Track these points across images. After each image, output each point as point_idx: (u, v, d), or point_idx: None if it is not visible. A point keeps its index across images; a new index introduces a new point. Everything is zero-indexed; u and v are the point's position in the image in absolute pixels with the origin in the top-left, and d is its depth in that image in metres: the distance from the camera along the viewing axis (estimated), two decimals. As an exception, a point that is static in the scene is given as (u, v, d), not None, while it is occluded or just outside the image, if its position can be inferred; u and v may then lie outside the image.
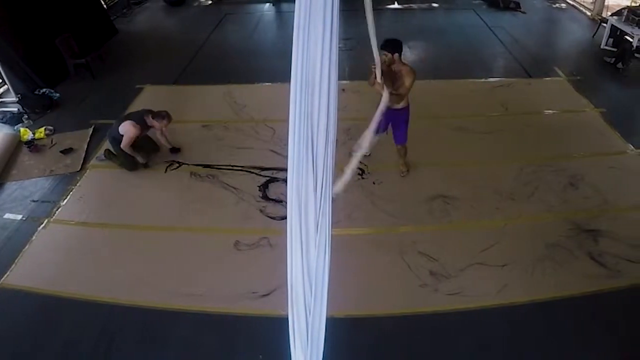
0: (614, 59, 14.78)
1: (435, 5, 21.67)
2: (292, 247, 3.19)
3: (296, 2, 2.90)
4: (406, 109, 9.40)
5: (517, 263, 7.92)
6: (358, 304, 7.29)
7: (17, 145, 11.36)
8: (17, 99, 12.90)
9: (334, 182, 3.24)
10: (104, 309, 7.36)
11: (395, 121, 9.35)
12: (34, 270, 8.12)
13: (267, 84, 13.83)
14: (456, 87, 13.78)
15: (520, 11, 20.31)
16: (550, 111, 12.38)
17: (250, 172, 10.17)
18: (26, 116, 12.42)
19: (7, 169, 10.67)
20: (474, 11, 20.42)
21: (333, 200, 3.19)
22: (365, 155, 7.96)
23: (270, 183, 9.86)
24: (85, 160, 10.79)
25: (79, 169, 10.50)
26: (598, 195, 9.32)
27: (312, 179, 3.06)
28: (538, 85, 13.96)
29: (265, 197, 9.51)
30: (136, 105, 12.76)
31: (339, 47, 3.00)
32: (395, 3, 21.80)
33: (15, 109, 12.76)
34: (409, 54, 16.07)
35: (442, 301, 7.34)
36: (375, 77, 7.78)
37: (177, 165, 10.44)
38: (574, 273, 7.73)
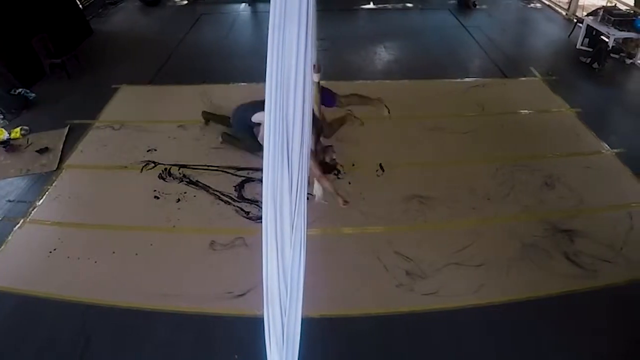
0: (589, 59, 14.88)
1: (409, 5, 21.70)
2: (267, 247, 3.20)
3: (271, 2, 2.91)
4: None
5: (493, 263, 7.96)
6: (334, 304, 7.29)
7: (-8, 145, 11.20)
8: (-7, 99, 12.78)
9: (309, 182, 3.25)
10: (80, 309, 7.31)
11: None
12: (9, 271, 8.06)
13: (242, 84, 13.78)
14: (432, 87, 13.76)
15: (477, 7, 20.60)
16: (526, 111, 12.43)
17: (225, 172, 10.12)
18: (2, 116, 12.31)
19: (-17, 169, 10.52)
20: (449, 11, 20.50)
21: (308, 199, 3.20)
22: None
23: (245, 183, 9.82)
24: (61, 159, 10.68)
25: (55, 169, 10.39)
26: (574, 195, 9.39)
27: (287, 179, 3.07)
28: (514, 85, 14.00)
29: (241, 197, 9.47)
30: (112, 105, 12.78)
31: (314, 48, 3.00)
32: (371, 3, 21.82)
33: (-9, 109, 12.63)
34: (384, 54, 16.15)
35: (418, 301, 7.35)
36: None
37: (153, 165, 10.37)
38: (550, 273, 7.78)
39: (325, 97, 9.11)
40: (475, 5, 20.72)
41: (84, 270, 7.96)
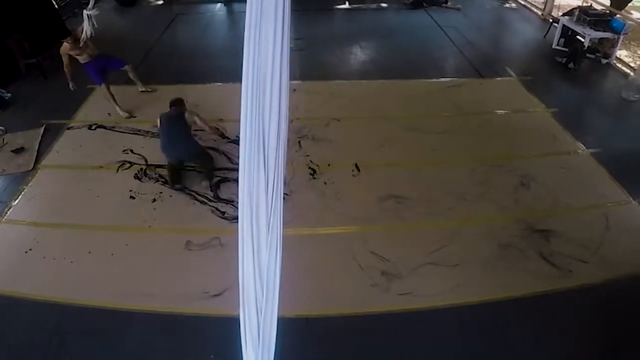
0: (565, 59, 15.00)
1: (384, 5, 21.81)
2: (243, 247, 3.19)
3: (247, 2, 2.90)
4: None
5: (469, 263, 7.99)
6: (309, 304, 7.29)
7: (-32, 145, 11.12)
8: (-31, 100, 12.69)
9: (285, 182, 3.26)
10: (55, 309, 7.27)
11: None
12: (-16, 271, 7.99)
13: (218, 84, 13.80)
14: (408, 88, 13.80)
15: (451, 7, 20.79)
16: (502, 111, 12.50)
17: (201, 172, 10.06)
18: (-23, 116, 12.25)
19: (-41, 168, 10.44)
20: (425, 11, 20.58)
21: (284, 199, 3.19)
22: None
23: (221, 183, 9.80)
24: (37, 159, 10.63)
25: (31, 169, 10.34)
26: (549, 195, 9.44)
27: (263, 179, 3.06)
28: (490, 85, 14.10)
29: (217, 197, 9.46)
30: (88, 106, 12.79)
31: (290, 47, 3.00)
32: (346, 3, 21.92)
33: (-33, 110, 12.55)
34: (360, 54, 16.24)
35: (393, 301, 7.37)
36: None
37: (129, 165, 10.33)
38: (525, 273, 7.82)
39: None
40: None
41: (60, 270, 7.92)
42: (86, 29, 11.09)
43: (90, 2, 11.06)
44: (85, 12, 11.00)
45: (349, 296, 7.51)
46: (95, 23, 11.16)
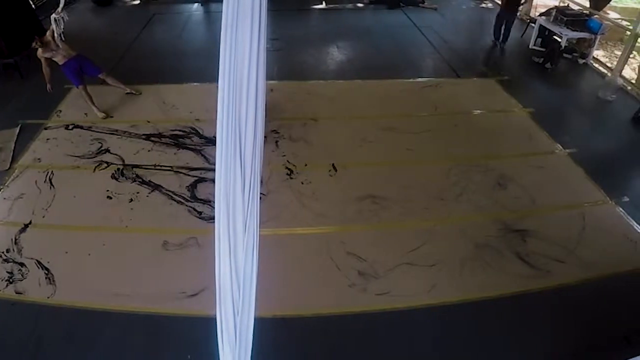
0: (542, 59, 15.11)
1: (360, 5, 21.88)
2: (220, 247, 3.19)
3: (224, 2, 2.89)
4: None
5: (446, 263, 8.01)
6: (286, 304, 7.28)
7: (-57, 145, 11.02)
8: (-56, 100, 12.59)
9: (262, 182, 3.24)
10: (32, 309, 7.23)
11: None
12: (-42, 271, 7.91)
13: (195, 84, 13.77)
14: (385, 87, 13.83)
15: (428, 7, 20.94)
16: (479, 111, 12.56)
17: (178, 172, 10.06)
18: (-47, 116, 12.15)
19: None
20: (402, 11, 20.65)
21: (261, 199, 3.18)
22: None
23: (198, 183, 9.77)
24: (13, 159, 10.56)
25: (7, 168, 10.27)
26: (526, 195, 9.49)
27: (239, 180, 3.06)
28: (467, 85, 14.16)
29: (194, 197, 9.42)
30: (65, 105, 12.67)
31: (267, 48, 2.98)
32: (323, 3, 21.96)
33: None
34: (337, 54, 16.23)
35: (370, 301, 7.38)
36: None
37: (106, 165, 10.26)
38: (502, 273, 7.86)
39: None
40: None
41: (36, 271, 7.87)
42: (55, 31, 11.07)
43: (60, 5, 11.01)
44: (53, 15, 10.95)
45: (326, 296, 7.50)
46: (63, 27, 11.09)
